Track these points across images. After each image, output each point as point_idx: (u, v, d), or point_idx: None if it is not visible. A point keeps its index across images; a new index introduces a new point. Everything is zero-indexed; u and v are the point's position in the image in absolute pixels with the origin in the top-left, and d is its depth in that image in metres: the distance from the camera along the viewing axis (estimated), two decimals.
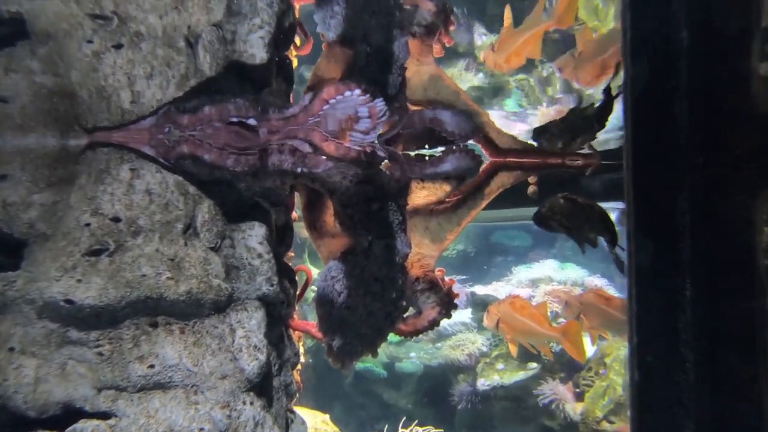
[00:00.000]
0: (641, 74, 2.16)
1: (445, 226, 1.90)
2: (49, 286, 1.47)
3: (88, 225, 1.51)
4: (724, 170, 2.09)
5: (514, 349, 5.51)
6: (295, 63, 2.28)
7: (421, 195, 1.98)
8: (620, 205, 3.01)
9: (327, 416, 3.62)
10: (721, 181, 2.10)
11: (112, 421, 1.54)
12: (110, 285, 1.48)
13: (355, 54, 1.86)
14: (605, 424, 5.56)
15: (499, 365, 6.88)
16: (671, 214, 2.13)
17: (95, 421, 1.53)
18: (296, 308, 2.06)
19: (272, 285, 1.66)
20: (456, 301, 2.02)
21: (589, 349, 6.44)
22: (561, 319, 5.50)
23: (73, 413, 1.54)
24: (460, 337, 7.54)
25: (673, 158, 2.13)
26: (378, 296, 1.71)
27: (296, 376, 2.12)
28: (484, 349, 7.31)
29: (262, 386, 1.66)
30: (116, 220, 1.53)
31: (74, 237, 1.51)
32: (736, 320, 2.09)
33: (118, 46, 1.51)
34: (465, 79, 4.83)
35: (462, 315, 7.82)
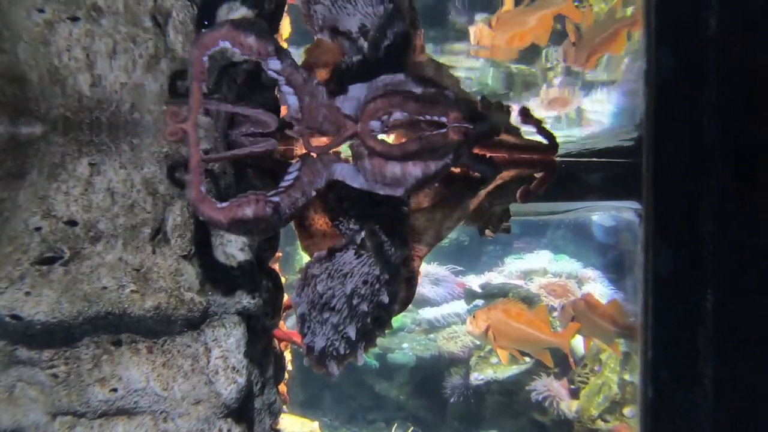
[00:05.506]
0: (666, 63, 1.96)
1: (449, 216, 1.71)
2: None
3: (38, 229, 1.30)
4: (755, 171, 1.91)
5: (504, 357, 5.28)
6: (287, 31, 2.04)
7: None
8: (633, 204, 2.82)
9: (316, 424, 3.46)
10: (751, 184, 1.92)
11: None
12: (64, 299, 1.28)
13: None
14: (600, 423, 5.46)
15: (494, 359, 6.76)
16: (694, 218, 1.95)
17: None
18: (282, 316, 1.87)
19: (254, 298, 1.47)
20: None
21: (583, 348, 6.29)
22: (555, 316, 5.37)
23: None
24: (454, 329, 7.41)
25: (699, 157, 1.95)
26: (366, 299, 1.52)
27: (282, 388, 1.94)
28: (478, 342, 7.20)
29: (241, 410, 1.48)
30: (72, 223, 1.32)
31: (22, 242, 1.30)
32: (761, 335, 1.93)
33: (74, 19, 1.29)
34: (465, 65, 4.59)
35: (455, 307, 7.69)
